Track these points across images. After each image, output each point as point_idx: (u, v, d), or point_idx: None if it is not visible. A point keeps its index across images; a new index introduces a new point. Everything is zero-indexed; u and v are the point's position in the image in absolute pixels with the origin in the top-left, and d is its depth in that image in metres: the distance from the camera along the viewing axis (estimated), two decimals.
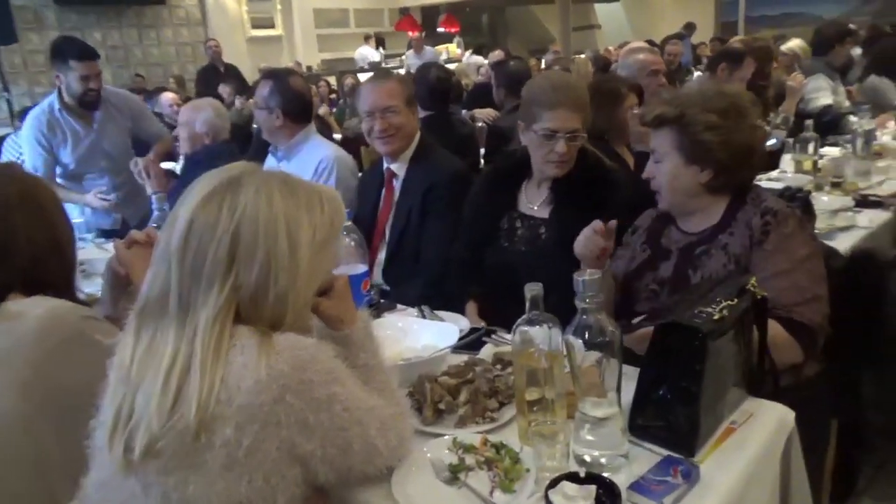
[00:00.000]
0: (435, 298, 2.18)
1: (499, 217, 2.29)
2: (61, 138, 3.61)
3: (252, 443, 1.07)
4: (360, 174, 3.09)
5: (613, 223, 1.78)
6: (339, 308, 1.31)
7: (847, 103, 4.78)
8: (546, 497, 1.16)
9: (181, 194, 1.19)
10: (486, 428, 1.46)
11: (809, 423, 1.53)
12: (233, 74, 8.95)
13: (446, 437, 1.42)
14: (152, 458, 1.06)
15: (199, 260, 1.12)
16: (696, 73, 7.58)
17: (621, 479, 1.22)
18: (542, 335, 1.35)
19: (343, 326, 1.31)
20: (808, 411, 1.51)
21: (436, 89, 4.10)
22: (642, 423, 1.39)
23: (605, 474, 1.21)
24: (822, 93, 4.61)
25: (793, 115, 4.11)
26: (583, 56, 7.90)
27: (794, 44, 5.53)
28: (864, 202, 3.00)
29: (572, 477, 1.18)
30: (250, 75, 9.43)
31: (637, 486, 1.22)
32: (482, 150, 4.45)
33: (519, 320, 1.38)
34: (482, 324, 2.05)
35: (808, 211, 2.45)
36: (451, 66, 8.13)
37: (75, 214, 3.81)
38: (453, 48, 12.31)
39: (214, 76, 8.79)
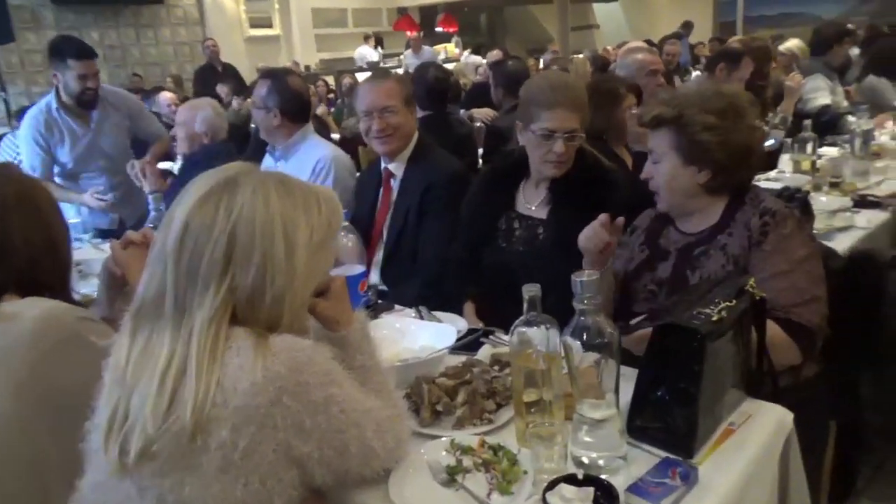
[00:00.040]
0: (433, 299, 2.18)
1: (497, 217, 2.29)
2: (59, 138, 3.60)
3: (248, 445, 1.07)
4: (357, 174, 3.08)
5: (621, 220, 1.77)
6: (336, 309, 1.31)
7: (845, 103, 4.78)
8: (544, 499, 1.16)
9: (178, 194, 1.19)
10: (483, 429, 1.46)
11: (808, 424, 1.52)
12: (231, 74, 8.94)
13: (444, 439, 1.41)
14: (148, 461, 1.06)
15: (195, 261, 1.11)
16: (695, 73, 7.58)
17: (619, 481, 1.22)
18: (539, 336, 1.35)
19: (340, 328, 1.31)
20: (806, 412, 1.51)
21: (434, 89, 4.10)
22: (640, 425, 1.39)
23: (603, 476, 1.21)
24: (821, 93, 4.61)
25: (791, 115, 4.12)
26: (581, 56, 7.90)
27: (793, 44, 5.53)
28: (862, 202, 3.00)
29: (570, 479, 1.18)
30: (248, 75, 9.42)
31: (635, 489, 1.22)
32: (480, 150, 4.45)
33: (517, 321, 1.38)
34: (480, 324, 2.05)
35: (806, 211, 2.45)
36: (450, 66, 8.13)
37: (72, 214, 3.80)
38: (451, 48, 12.33)
39: (212, 76, 8.78)
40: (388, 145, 2.58)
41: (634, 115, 2.66)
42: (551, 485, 1.18)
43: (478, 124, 5.19)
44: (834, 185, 3.22)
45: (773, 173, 3.50)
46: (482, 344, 1.88)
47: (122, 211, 3.76)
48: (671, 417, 1.35)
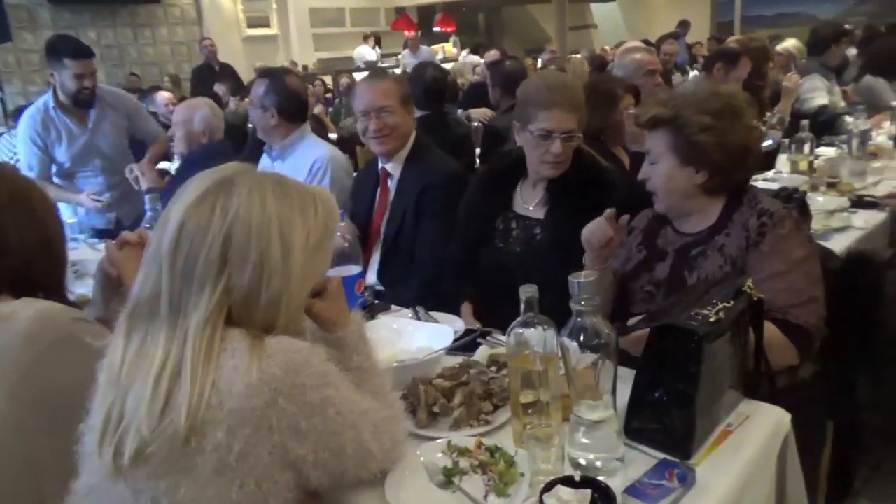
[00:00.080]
0: (430, 299, 2.17)
1: (494, 217, 2.28)
2: (55, 137, 3.60)
3: (243, 447, 1.06)
4: (354, 174, 3.08)
5: (626, 217, 1.77)
6: (333, 310, 1.30)
7: (842, 103, 4.79)
8: (540, 501, 1.15)
9: (174, 194, 1.18)
10: (480, 431, 1.45)
11: (805, 425, 1.52)
12: (228, 74, 8.93)
13: (440, 441, 1.41)
14: (142, 463, 1.05)
15: (191, 262, 1.11)
16: (693, 73, 7.58)
17: (617, 483, 1.21)
18: (536, 337, 1.35)
19: (336, 329, 1.30)
20: (804, 413, 1.51)
21: (431, 89, 4.09)
22: (638, 426, 1.38)
23: (600, 478, 1.20)
24: (818, 93, 4.62)
25: (788, 116, 4.11)
26: (579, 56, 7.91)
27: (790, 44, 5.54)
28: (859, 202, 3.00)
29: (567, 481, 1.17)
30: (246, 75, 9.40)
31: (632, 490, 1.22)
32: (478, 150, 4.45)
33: (514, 322, 1.37)
34: (477, 325, 2.04)
35: (804, 212, 2.46)
36: (448, 66, 8.12)
37: (68, 214, 3.80)
38: (449, 48, 12.32)
39: (210, 75, 8.77)
40: (385, 145, 2.58)
41: (632, 116, 2.66)
42: (548, 487, 1.17)
43: (475, 124, 5.18)
44: (831, 186, 3.22)
45: (770, 173, 3.50)
46: (479, 345, 1.88)
47: (120, 211, 3.76)
48: (669, 419, 1.35)
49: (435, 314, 2.04)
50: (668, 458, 1.31)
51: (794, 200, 2.44)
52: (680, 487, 1.22)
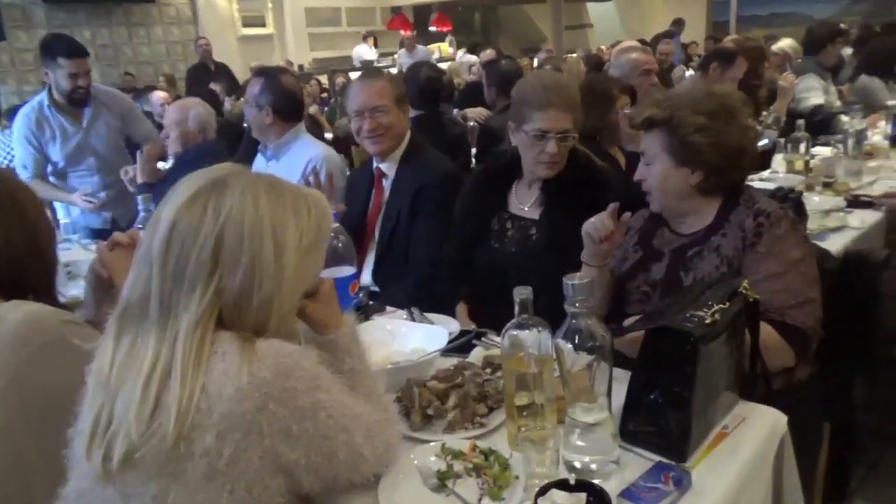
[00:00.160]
0: (424, 300, 2.16)
1: (489, 218, 2.27)
2: (50, 135, 3.59)
3: (233, 452, 1.04)
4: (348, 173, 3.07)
5: (627, 215, 1.76)
6: (325, 312, 1.29)
7: (838, 103, 4.80)
8: None
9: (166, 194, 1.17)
10: (475, 433, 1.44)
11: (802, 426, 1.52)
12: (223, 73, 8.91)
13: (434, 444, 1.39)
14: (131, 467, 1.04)
15: (182, 263, 1.09)
16: (689, 73, 7.58)
17: (612, 486, 1.21)
18: (531, 339, 1.33)
19: (328, 331, 1.29)
20: (800, 414, 1.51)
21: (426, 88, 4.08)
22: (633, 429, 1.38)
23: (595, 481, 1.19)
24: (814, 92, 4.62)
25: (784, 115, 4.12)
26: (575, 55, 7.90)
27: (785, 43, 5.54)
28: (855, 202, 3.00)
29: (562, 484, 1.16)
30: (241, 74, 9.37)
31: (628, 494, 1.21)
32: (473, 150, 4.44)
33: (508, 324, 1.36)
34: (472, 325, 2.03)
35: (800, 212, 2.45)
36: (444, 65, 8.11)
37: (62, 215, 3.78)
38: (445, 47, 12.31)
39: (205, 75, 8.75)
40: (379, 145, 2.57)
41: (627, 116, 2.65)
42: (543, 490, 1.16)
43: (471, 124, 5.17)
44: (827, 185, 3.22)
45: (766, 173, 3.50)
46: (474, 346, 1.87)
47: (116, 211, 3.75)
48: (664, 421, 1.34)
49: (429, 315, 2.03)
50: (664, 460, 1.30)
51: (789, 200, 2.44)
52: (676, 490, 1.21)
